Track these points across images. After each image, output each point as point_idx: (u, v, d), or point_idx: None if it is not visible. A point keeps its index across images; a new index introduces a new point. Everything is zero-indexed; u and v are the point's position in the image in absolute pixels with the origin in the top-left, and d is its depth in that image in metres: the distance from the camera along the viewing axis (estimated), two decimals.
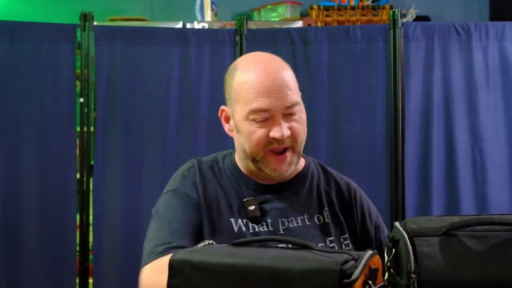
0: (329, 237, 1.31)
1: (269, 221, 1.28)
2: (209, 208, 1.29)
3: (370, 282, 0.89)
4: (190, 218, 1.27)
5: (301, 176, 1.36)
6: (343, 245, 1.32)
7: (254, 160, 1.28)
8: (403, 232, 0.96)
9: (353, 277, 0.86)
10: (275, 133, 1.24)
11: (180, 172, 1.36)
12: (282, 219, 1.29)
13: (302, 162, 1.39)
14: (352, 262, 0.89)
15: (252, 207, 1.28)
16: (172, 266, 0.95)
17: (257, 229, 1.27)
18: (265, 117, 1.25)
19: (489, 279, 0.91)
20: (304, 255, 0.93)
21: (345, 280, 0.85)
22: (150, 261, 1.20)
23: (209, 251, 0.99)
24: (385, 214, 2.57)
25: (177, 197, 1.30)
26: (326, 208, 1.33)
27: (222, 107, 1.36)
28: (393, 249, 0.97)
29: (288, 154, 1.28)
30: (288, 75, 1.29)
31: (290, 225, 1.29)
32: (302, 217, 1.31)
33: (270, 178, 1.32)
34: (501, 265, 0.92)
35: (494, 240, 0.94)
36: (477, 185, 2.59)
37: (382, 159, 2.61)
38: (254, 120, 1.25)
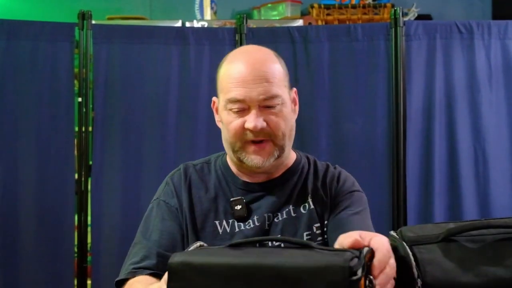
0: (315, 224, 1.32)
1: (255, 218, 1.30)
2: (193, 212, 1.32)
3: (371, 277, 0.90)
4: (168, 227, 1.32)
5: (290, 172, 1.37)
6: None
7: (234, 150, 1.30)
8: (402, 241, 0.97)
9: (359, 274, 0.86)
10: (248, 123, 1.25)
11: (165, 179, 1.41)
12: (268, 214, 1.31)
13: (292, 158, 1.40)
14: (356, 259, 0.89)
15: (239, 207, 1.30)
16: (171, 269, 0.94)
17: (242, 227, 1.29)
18: (241, 107, 1.26)
19: (492, 280, 0.91)
20: (309, 253, 0.93)
21: (353, 277, 0.86)
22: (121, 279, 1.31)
23: (208, 252, 0.99)
24: (387, 214, 2.57)
25: (158, 207, 1.36)
26: (310, 195, 1.34)
27: (214, 98, 1.39)
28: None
29: (267, 145, 1.28)
30: (271, 67, 1.29)
31: (275, 219, 1.31)
32: (287, 209, 1.32)
33: (254, 172, 1.33)
34: (502, 265, 0.92)
35: (493, 243, 0.95)
36: (480, 185, 2.59)
37: (384, 159, 2.61)
38: (231, 110, 1.27)
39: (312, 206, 1.33)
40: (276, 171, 1.36)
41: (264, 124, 1.26)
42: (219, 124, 1.36)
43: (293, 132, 1.34)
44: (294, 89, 1.37)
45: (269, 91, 1.26)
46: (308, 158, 1.43)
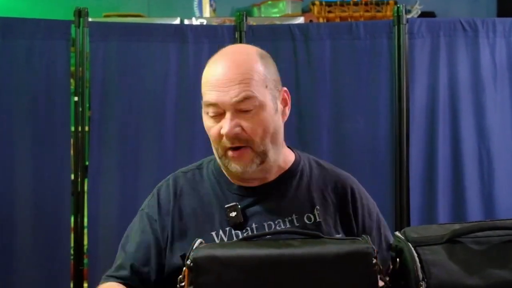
0: None
1: (254, 226, 1.26)
2: (185, 224, 1.29)
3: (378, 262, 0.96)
4: (146, 240, 1.30)
5: (288, 174, 1.33)
6: None
7: (218, 157, 1.28)
8: (407, 242, 0.97)
9: (374, 260, 0.94)
10: (222, 130, 1.22)
11: (153, 190, 1.38)
12: (268, 223, 1.27)
13: (290, 160, 1.35)
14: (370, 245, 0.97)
15: (234, 213, 1.26)
16: (197, 264, 0.95)
17: (240, 236, 1.24)
18: (217, 112, 1.23)
19: (498, 283, 0.91)
20: (325, 243, 0.99)
21: (374, 260, 0.94)
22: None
23: (229, 245, 1.00)
24: (389, 215, 2.57)
25: (141, 218, 1.35)
26: (317, 207, 1.30)
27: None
28: (397, 259, 0.99)
29: (245, 152, 1.24)
30: (248, 68, 1.24)
31: (278, 227, 1.26)
32: (290, 218, 1.28)
33: (242, 178, 1.29)
34: (508, 268, 0.92)
35: (499, 244, 0.95)
36: (484, 186, 2.59)
37: (386, 159, 2.61)
38: (207, 114, 1.25)
39: (318, 219, 1.29)
40: (270, 175, 1.31)
41: (238, 130, 1.22)
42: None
43: (279, 135, 1.30)
44: (284, 88, 1.32)
45: (241, 94, 1.21)
46: (309, 159, 1.39)
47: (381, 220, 1.39)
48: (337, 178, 1.36)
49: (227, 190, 1.31)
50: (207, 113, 1.25)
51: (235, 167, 1.25)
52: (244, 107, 1.22)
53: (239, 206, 1.27)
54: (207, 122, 1.26)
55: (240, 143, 1.23)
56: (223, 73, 1.23)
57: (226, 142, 1.23)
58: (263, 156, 1.26)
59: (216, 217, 1.28)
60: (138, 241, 1.31)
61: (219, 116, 1.24)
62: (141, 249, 1.30)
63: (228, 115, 1.22)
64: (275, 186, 1.31)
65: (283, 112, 1.31)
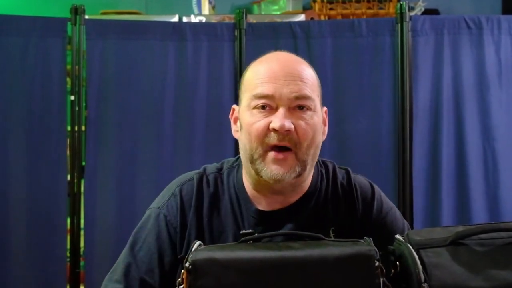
0: None
1: None
2: (202, 238, 1.22)
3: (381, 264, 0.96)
4: (160, 249, 1.24)
5: (308, 196, 1.27)
6: None
7: (252, 160, 1.19)
8: (408, 244, 0.97)
9: (376, 262, 0.94)
10: (274, 123, 1.15)
11: (173, 188, 1.30)
12: None
13: (309, 179, 1.28)
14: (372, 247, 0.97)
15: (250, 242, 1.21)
16: (196, 266, 0.95)
17: None
18: (269, 105, 1.17)
19: (502, 285, 0.91)
20: (330, 243, 0.99)
21: (377, 263, 0.94)
22: None
23: (228, 248, 1.00)
24: None
25: (157, 220, 1.27)
26: (332, 228, 1.22)
27: (234, 106, 1.31)
28: (397, 262, 0.99)
29: (289, 157, 1.17)
30: (305, 69, 1.23)
31: None
32: None
33: (271, 188, 1.22)
34: None
35: (503, 246, 0.95)
36: (489, 187, 2.59)
37: (389, 160, 2.61)
38: (256, 107, 1.18)
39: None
40: (294, 195, 1.25)
41: (292, 126, 1.16)
42: (236, 134, 1.27)
43: (318, 151, 1.24)
44: (325, 108, 1.29)
45: (302, 90, 1.18)
46: (326, 168, 1.33)
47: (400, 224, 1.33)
48: (350, 187, 1.31)
49: (245, 210, 1.25)
50: (255, 106, 1.18)
51: (274, 170, 1.17)
52: (302, 103, 1.18)
53: (255, 234, 1.17)
54: (251, 118, 1.19)
55: (288, 143, 1.17)
56: (282, 67, 1.20)
57: (272, 138, 1.16)
58: (303, 167, 1.19)
59: (230, 237, 1.23)
60: (153, 249, 1.24)
61: (268, 111, 1.18)
62: (154, 260, 1.23)
63: (281, 110, 1.17)
64: (294, 210, 1.25)
65: (323, 131, 1.28)
